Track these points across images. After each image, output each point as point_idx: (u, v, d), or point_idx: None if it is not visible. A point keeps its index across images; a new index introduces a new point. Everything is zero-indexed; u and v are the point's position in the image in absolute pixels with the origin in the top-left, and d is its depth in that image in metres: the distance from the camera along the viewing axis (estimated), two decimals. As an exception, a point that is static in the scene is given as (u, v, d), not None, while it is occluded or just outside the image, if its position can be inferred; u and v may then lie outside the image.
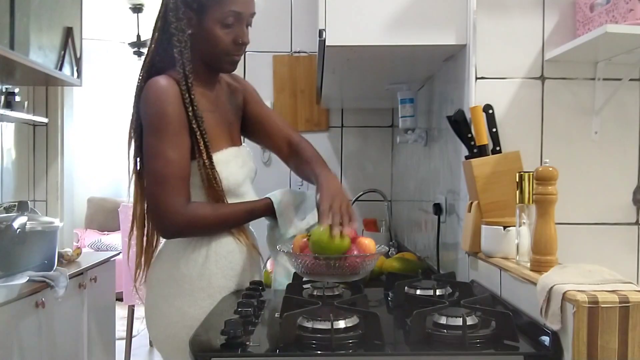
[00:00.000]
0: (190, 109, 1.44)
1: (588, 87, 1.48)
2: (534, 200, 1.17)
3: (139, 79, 1.51)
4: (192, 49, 1.47)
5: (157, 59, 1.51)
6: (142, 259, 1.54)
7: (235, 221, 1.51)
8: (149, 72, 1.49)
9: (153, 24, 1.52)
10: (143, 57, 1.55)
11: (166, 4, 1.49)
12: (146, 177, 1.45)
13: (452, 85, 1.70)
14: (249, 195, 1.59)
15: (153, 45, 1.51)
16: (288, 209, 1.54)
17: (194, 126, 1.44)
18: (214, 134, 1.49)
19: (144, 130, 1.45)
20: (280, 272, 1.57)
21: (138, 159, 1.52)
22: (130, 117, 1.52)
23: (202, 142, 1.45)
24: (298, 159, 1.64)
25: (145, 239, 1.53)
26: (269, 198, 1.54)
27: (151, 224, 1.48)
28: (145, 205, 1.51)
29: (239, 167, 1.54)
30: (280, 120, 1.74)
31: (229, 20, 1.46)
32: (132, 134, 1.51)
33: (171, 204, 1.39)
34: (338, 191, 1.41)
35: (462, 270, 1.56)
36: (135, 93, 1.50)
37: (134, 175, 1.53)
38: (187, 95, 1.44)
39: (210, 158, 1.46)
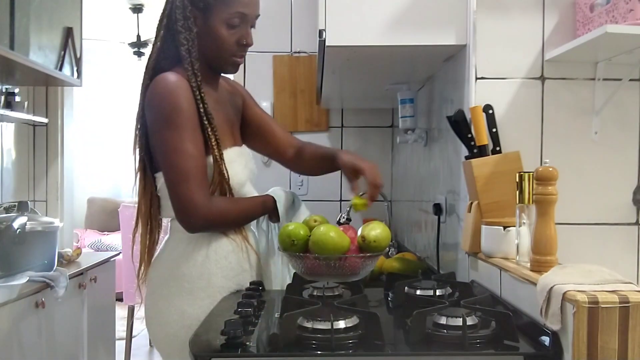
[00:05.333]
0: (202, 105, 1.45)
1: (588, 87, 1.48)
2: (534, 201, 1.17)
3: (144, 76, 1.50)
4: (197, 48, 1.48)
5: (162, 56, 1.51)
6: (146, 256, 1.54)
7: (252, 214, 1.54)
8: (155, 69, 1.49)
9: (157, 22, 1.52)
10: (147, 56, 1.55)
11: (172, 2, 1.49)
12: (167, 172, 1.43)
13: (452, 85, 1.70)
14: (251, 195, 1.60)
15: (158, 43, 1.51)
16: (282, 208, 1.57)
17: (205, 122, 1.45)
18: (219, 133, 1.49)
19: (156, 125, 1.44)
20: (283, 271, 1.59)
21: (143, 156, 1.51)
22: (136, 115, 1.51)
23: (214, 139, 1.46)
24: (307, 154, 1.71)
25: (148, 236, 1.53)
26: (271, 195, 1.57)
27: (177, 218, 1.45)
28: (147, 201, 1.52)
29: (242, 167, 1.55)
30: (279, 125, 1.79)
31: (235, 21, 1.47)
32: (137, 128, 1.51)
33: (197, 199, 1.39)
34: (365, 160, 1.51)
35: (462, 271, 1.56)
36: (141, 91, 1.49)
37: (138, 173, 1.52)
38: (197, 92, 1.45)
39: (221, 154, 1.47)
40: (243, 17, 1.48)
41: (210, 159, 1.46)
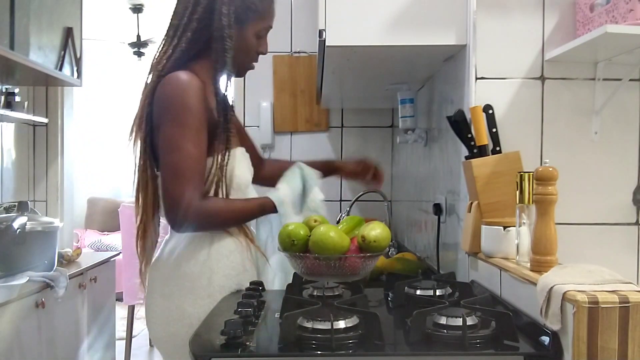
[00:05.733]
0: (221, 101, 1.50)
1: (588, 87, 1.48)
2: (534, 201, 1.17)
3: (158, 71, 1.49)
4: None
5: (178, 55, 1.50)
6: (147, 254, 1.54)
7: (247, 216, 1.54)
8: (172, 67, 1.48)
9: (179, 21, 1.51)
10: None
11: (212, 9, 1.48)
12: (163, 169, 1.43)
13: (452, 85, 1.70)
14: (253, 195, 1.61)
15: (184, 45, 1.50)
16: (288, 207, 1.56)
17: (221, 119, 1.48)
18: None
19: (163, 122, 1.44)
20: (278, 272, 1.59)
21: (147, 152, 1.51)
22: (138, 110, 1.51)
23: (225, 137, 1.49)
24: (272, 166, 1.83)
25: (149, 235, 1.53)
26: (271, 199, 1.55)
27: (165, 215, 1.44)
28: (149, 199, 1.52)
29: (247, 167, 1.58)
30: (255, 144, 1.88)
31: (263, 33, 1.58)
32: (140, 126, 1.50)
33: (186, 197, 1.39)
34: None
35: (462, 271, 1.56)
36: (150, 86, 1.49)
37: (140, 167, 1.52)
38: (218, 90, 1.51)
39: (229, 152, 1.49)
40: (268, 30, 1.60)
41: (219, 157, 1.47)
